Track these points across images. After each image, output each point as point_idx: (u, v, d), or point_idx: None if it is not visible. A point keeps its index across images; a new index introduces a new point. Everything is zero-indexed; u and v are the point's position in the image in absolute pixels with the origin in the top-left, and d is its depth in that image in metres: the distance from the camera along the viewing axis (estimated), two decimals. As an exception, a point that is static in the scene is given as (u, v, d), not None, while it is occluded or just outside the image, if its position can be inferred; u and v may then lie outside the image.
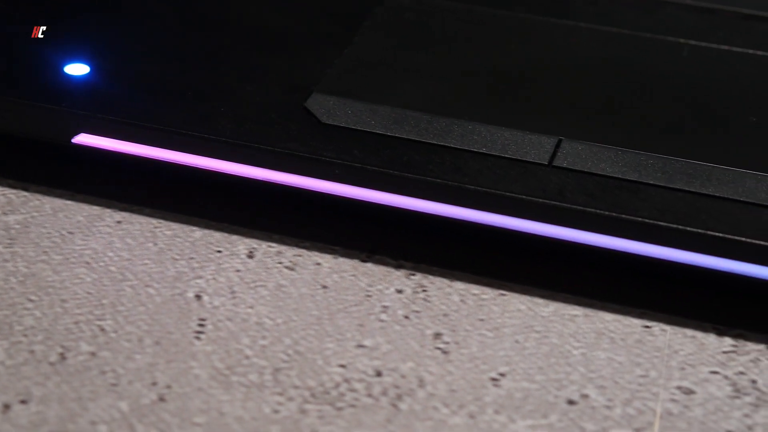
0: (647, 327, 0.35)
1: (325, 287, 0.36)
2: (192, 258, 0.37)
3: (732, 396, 0.33)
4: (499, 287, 0.36)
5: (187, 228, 0.38)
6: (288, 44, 0.42)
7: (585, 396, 0.33)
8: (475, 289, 0.36)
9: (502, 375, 0.33)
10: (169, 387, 0.33)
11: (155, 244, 0.37)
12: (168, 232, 0.38)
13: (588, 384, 0.33)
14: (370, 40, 0.42)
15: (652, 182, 0.36)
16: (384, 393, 0.33)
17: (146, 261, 0.36)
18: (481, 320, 0.35)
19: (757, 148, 0.38)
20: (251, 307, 0.35)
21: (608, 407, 0.33)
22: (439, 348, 0.34)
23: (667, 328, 0.35)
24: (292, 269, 0.37)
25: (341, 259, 0.37)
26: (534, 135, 0.38)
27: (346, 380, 0.33)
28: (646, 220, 0.35)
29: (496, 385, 0.33)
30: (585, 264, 0.36)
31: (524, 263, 0.37)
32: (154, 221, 0.38)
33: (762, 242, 0.34)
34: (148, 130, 0.38)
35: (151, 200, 0.39)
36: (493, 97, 0.40)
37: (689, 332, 0.35)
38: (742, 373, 0.34)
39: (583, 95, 0.40)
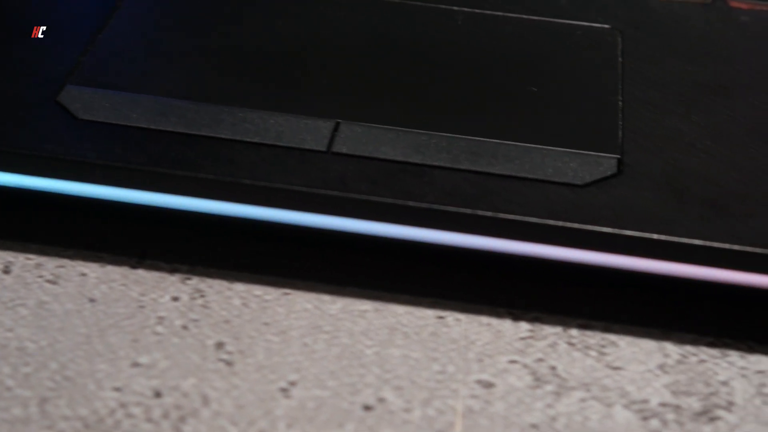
0: (441, 317, 0.33)
1: (92, 300, 0.33)
2: (-61, 279, 0.33)
3: (533, 386, 0.32)
4: (282, 286, 0.34)
5: (-68, 244, 0.34)
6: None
7: (382, 399, 0.31)
8: (257, 290, 0.34)
9: (292, 384, 0.31)
10: None
11: None
12: None
13: (384, 386, 0.31)
14: (128, 23, 0.39)
15: (436, 164, 0.34)
16: (165, 416, 0.30)
17: None
18: (266, 324, 0.33)
19: (539, 119, 0.36)
20: (10, 330, 0.32)
21: (407, 410, 0.31)
22: (222, 359, 0.32)
23: (462, 317, 0.33)
24: (54, 283, 0.33)
25: (109, 267, 0.34)
26: (310, 119, 0.35)
27: (122, 405, 0.30)
28: (432, 206, 0.33)
29: (286, 396, 0.31)
30: (372, 255, 0.34)
31: (308, 258, 0.34)
32: None
33: (548, 221, 0.32)
34: None
35: None
36: (264, 80, 0.37)
37: (484, 320, 0.33)
38: (541, 359, 0.32)
39: (358, 72, 0.38)
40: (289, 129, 0.35)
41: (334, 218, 0.33)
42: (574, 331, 0.33)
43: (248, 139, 0.35)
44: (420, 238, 0.33)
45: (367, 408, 0.31)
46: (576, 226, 0.33)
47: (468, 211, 0.33)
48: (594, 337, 0.33)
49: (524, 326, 0.33)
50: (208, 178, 0.33)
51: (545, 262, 0.33)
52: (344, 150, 0.35)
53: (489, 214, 0.33)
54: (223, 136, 0.35)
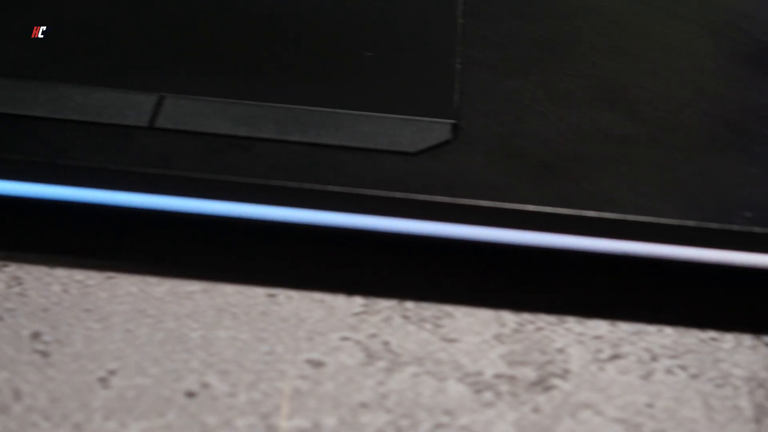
0: (272, 296, 0.32)
1: None
2: None
3: (364, 363, 0.31)
4: (106, 270, 0.32)
5: None
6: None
7: (206, 385, 0.30)
8: (79, 274, 0.32)
9: (111, 373, 0.30)
10: None
11: None
12: None
13: (209, 370, 0.30)
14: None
15: (264, 136, 0.33)
16: (-26, 413, 0.29)
17: None
18: (87, 311, 0.31)
19: (373, 85, 0.35)
20: None
21: (231, 394, 0.30)
22: (37, 350, 0.30)
23: (294, 294, 0.32)
24: None
25: None
26: (132, 94, 0.34)
27: (-71, 404, 0.29)
28: (258, 180, 0.32)
29: (105, 386, 0.29)
30: (199, 234, 0.33)
31: (133, 240, 0.33)
32: None
33: (377, 192, 0.31)
34: None
35: None
36: (84, 53, 0.35)
37: (317, 296, 0.32)
38: (374, 335, 0.31)
39: (183, 42, 0.36)
40: (110, 105, 0.33)
41: (157, 197, 0.32)
42: (409, 304, 0.32)
43: (65, 117, 0.33)
44: (248, 215, 0.32)
45: (190, 394, 0.29)
46: (407, 195, 0.32)
47: (294, 184, 0.32)
48: (430, 309, 0.32)
49: (358, 301, 0.32)
50: (21, 160, 0.32)
51: (378, 234, 0.32)
52: (167, 125, 0.33)
53: (316, 186, 0.32)
54: (38, 114, 0.33)
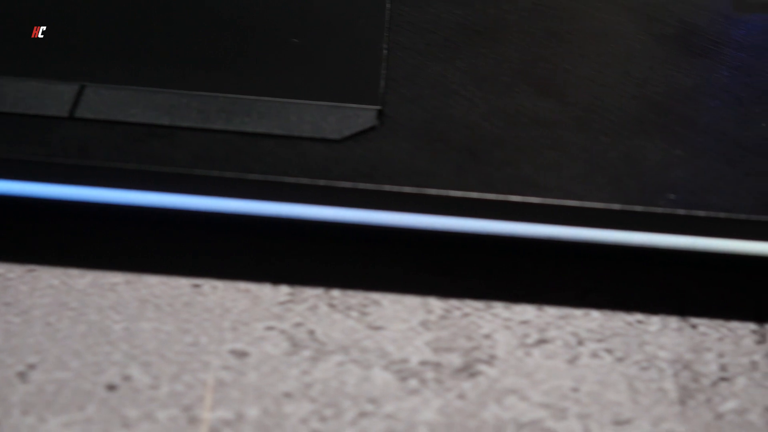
0: (197, 286, 0.32)
1: None
2: None
3: (289, 352, 0.30)
4: (27, 262, 0.32)
5: None
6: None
7: (127, 378, 0.29)
8: (0, 268, 0.32)
9: (31, 367, 0.29)
10: None
11: None
12: None
13: (131, 363, 0.30)
14: None
15: (186, 125, 0.33)
16: None
17: None
18: (7, 305, 0.31)
19: (300, 72, 0.35)
20: None
21: (153, 387, 0.29)
22: (-45, 346, 0.30)
23: (219, 284, 0.32)
24: None
25: None
26: (52, 83, 0.33)
27: None
28: (179, 170, 0.31)
29: (23, 381, 0.29)
30: (121, 225, 0.33)
31: (55, 232, 0.33)
32: None
33: (301, 180, 0.31)
34: None
35: None
36: (1, 42, 0.35)
37: (242, 286, 0.32)
38: (299, 324, 0.31)
39: (105, 31, 0.36)
40: (29, 95, 0.33)
41: (77, 188, 0.31)
42: (335, 292, 0.32)
43: (-16, 108, 0.32)
44: (171, 205, 0.32)
45: (111, 387, 0.29)
46: (330, 183, 0.31)
47: (217, 173, 0.31)
48: (356, 297, 0.32)
49: (284, 290, 0.32)
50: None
51: (303, 223, 0.32)
52: (88, 115, 0.33)
53: (238, 175, 0.31)
54: (-48, 106, 0.32)
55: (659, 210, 0.31)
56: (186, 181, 0.31)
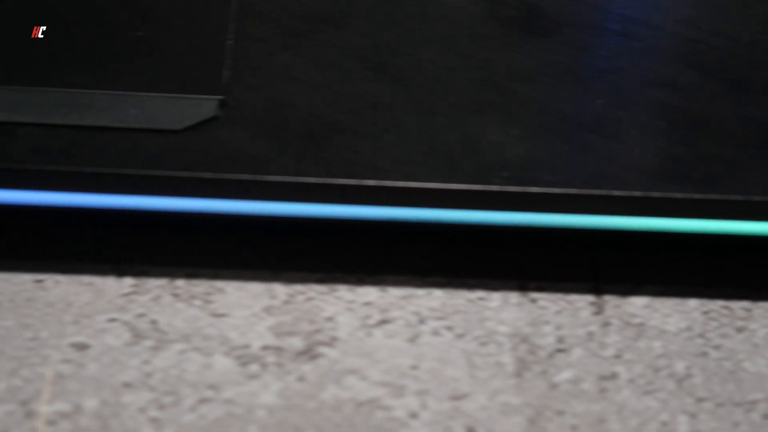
0: (39, 281, 0.32)
1: None
2: None
3: (130, 343, 0.31)
4: None
5: None
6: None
7: (-36, 375, 0.29)
8: None
9: None
10: None
11: None
12: None
13: (-31, 360, 0.30)
14: None
15: (24, 120, 0.33)
16: None
17: None
18: None
19: (143, 65, 0.35)
20: None
21: (-10, 383, 0.29)
22: None
23: (62, 278, 0.32)
24: None
25: None
26: None
27: None
28: (15, 165, 0.31)
29: None
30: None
31: None
32: None
33: (139, 171, 0.31)
34: None
35: None
36: None
37: (86, 279, 0.32)
38: (142, 315, 0.31)
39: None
40: None
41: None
42: (180, 282, 0.32)
43: None
44: (10, 200, 0.32)
45: (-53, 385, 0.29)
46: (167, 173, 0.31)
47: (53, 167, 0.31)
48: (200, 286, 0.32)
49: (128, 281, 0.32)
50: None
51: (144, 214, 0.32)
52: (-73, 115, 0.32)
53: (74, 168, 0.31)
54: None
55: (494, 188, 0.31)
56: (23, 176, 0.31)
